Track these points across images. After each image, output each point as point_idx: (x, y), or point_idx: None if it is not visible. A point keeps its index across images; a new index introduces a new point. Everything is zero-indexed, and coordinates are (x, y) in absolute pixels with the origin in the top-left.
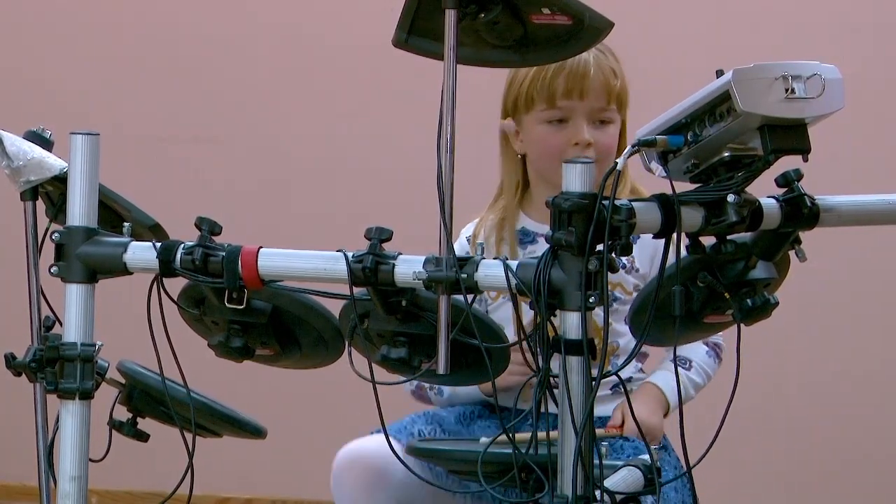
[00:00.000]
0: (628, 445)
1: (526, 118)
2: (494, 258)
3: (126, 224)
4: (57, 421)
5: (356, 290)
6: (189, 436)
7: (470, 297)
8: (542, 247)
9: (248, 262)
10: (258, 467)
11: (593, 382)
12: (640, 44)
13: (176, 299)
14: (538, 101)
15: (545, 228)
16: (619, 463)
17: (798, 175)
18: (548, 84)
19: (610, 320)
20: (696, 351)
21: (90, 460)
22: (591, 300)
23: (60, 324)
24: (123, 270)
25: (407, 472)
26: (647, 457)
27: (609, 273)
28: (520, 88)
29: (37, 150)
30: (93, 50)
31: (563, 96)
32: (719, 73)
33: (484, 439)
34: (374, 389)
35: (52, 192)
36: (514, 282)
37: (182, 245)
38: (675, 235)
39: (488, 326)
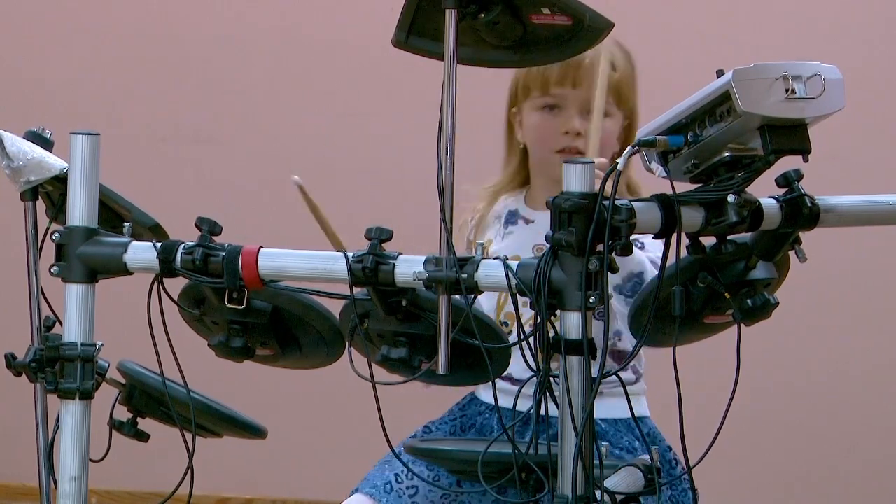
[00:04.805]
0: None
1: (524, 106)
2: (494, 258)
3: (126, 224)
4: (57, 421)
5: (356, 290)
6: (189, 436)
7: (470, 297)
8: (520, 228)
9: (249, 262)
10: (258, 467)
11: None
12: (640, 43)
13: (176, 299)
14: (533, 89)
15: (535, 215)
16: (620, 463)
17: (798, 175)
18: (543, 71)
19: None
20: None
21: (90, 460)
22: (591, 300)
23: (61, 324)
24: (123, 270)
25: None
26: (647, 457)
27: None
28: (520, 76)
29: (37, 150)
30: (93, 50)
31: (556, 84)
32: (719, 73)
33: None
34: (374, 389)
35: (52, 192)
36: (514, 282)
37: (182, 245)
38: (675, 235)
39: (488, 326)
